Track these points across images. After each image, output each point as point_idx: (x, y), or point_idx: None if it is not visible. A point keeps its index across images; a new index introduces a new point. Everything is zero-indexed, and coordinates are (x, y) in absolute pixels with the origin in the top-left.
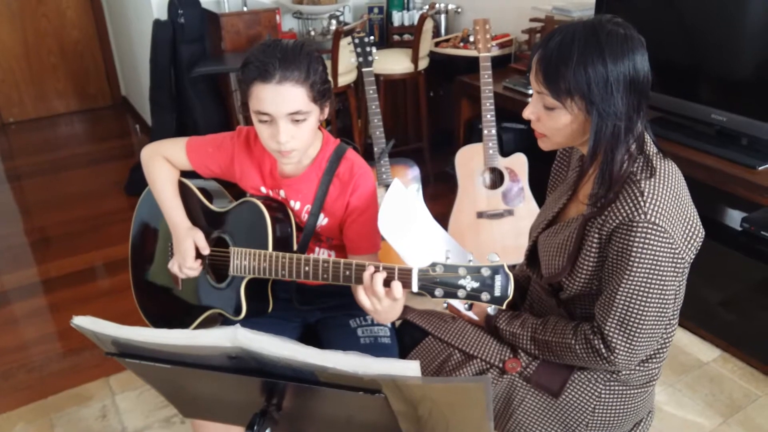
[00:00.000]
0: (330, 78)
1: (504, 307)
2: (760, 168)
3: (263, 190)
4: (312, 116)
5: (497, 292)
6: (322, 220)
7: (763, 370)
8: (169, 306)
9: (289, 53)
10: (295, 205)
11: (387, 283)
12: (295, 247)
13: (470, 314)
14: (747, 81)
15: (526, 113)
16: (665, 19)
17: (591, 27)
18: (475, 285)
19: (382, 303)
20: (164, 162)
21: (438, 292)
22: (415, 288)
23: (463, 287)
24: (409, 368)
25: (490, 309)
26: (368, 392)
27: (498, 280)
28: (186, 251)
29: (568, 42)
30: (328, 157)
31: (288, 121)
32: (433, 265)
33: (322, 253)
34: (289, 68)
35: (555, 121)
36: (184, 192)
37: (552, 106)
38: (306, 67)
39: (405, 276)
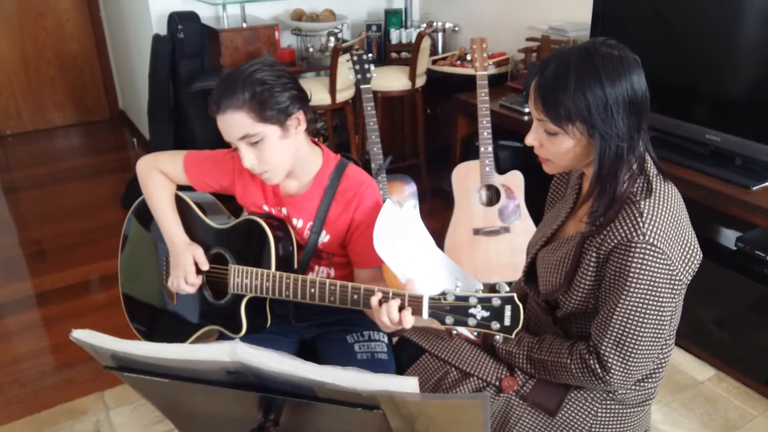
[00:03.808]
0: (294, 91)
1: (513, 336)
2: (754, 188)
3: (266, 208)
4: (269, 137)
5: (507, 322)
6: (324, 237)
7: (758, 389)
8: (163, 322)
9: (228, 81)
10: (298, 222)
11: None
12: (295, 266)
13: (467, 333)
14: (741, 102)
15: (529, 140)
16: (660, 40)
17: (585, 51)
18: (486, 314)
19: (390, 328)
20: (161, 175)
21: (449, 320)
22: (425, 315)
23: (474, 316)
24: (407, 384)
25: (498, 337)
26: (366, 408)
27: (508, 310)
28: (185, 267)
29: (564, 68)
30: (329, 174)
31: (245, 145)
32: (444, 293)
33: (321, 272)
34: (226, 96)
35: (558, 146)
36: (181, 206)
37: (554, 131)
38: (242, 90)
39: (415, 303)
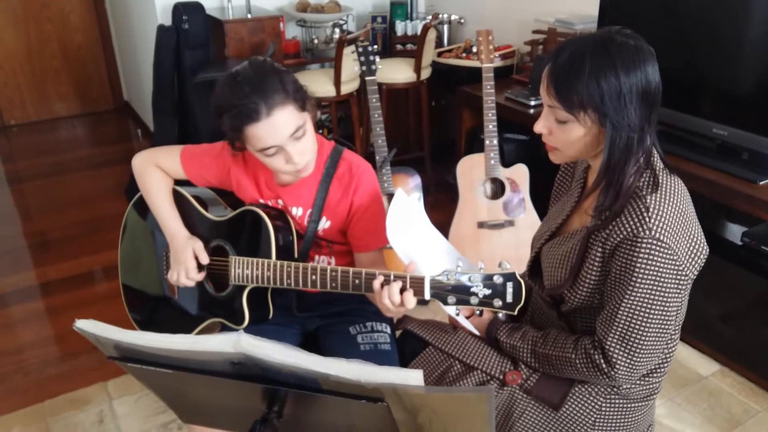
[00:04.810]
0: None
1: (515, 313)
2: (761, 182)
3: (261, 201)
4: (309, 124)
5: (509, 299)
6: (325, 224)
7: (762, 384)
8: (164, 314)
9: (259, 82)
10: (297, 211)
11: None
12: (296, 255)
13: (470, 327)
14: (748, 96)
15: (538, 127)
16: (667, 33)
17: (601, 39)
18: (488, 292)
19: (392, 311)
20: (158, 170)
21: (451, 299)
22: (427, 296)
23: (476, 294)
24: (412, 377)
25: (501, 315)
26: (371, 400)
27: (510, 286)
28: (186, 261)
29: (578, 55)
30: (325, 161)
31: (292, 141)
32: (445, 273)
33: (321, 261)
34: (269, 95)
35: (568, 135)
36: (179, 200)
37: (564, 119)
38: (279, 84)
39: (417, 284)
